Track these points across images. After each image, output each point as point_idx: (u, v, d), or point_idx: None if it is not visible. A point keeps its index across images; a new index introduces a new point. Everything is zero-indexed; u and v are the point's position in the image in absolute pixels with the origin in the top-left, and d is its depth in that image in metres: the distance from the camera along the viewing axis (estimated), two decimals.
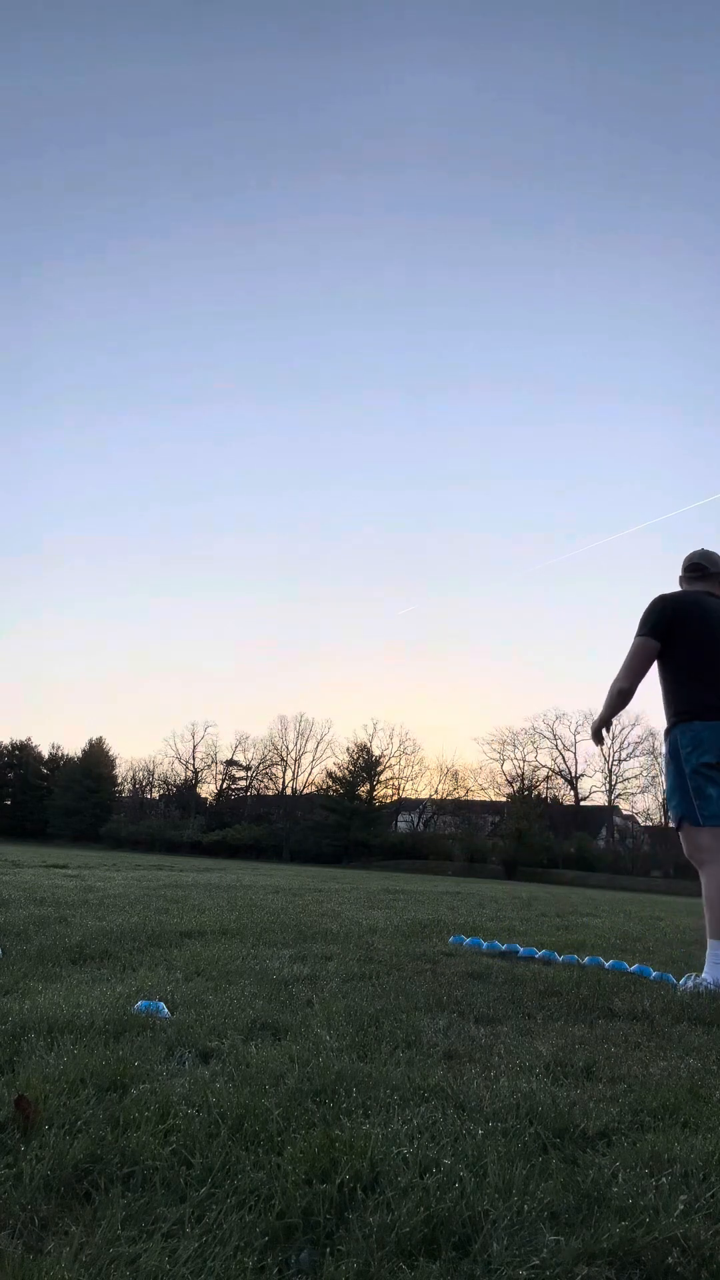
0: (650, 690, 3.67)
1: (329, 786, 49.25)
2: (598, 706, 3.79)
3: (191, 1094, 1.57)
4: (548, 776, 50.95)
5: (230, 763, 56.60)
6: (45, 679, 71.04)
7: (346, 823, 46.00)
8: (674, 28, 50.45)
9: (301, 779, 53.42)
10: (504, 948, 4.18)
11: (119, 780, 57.95)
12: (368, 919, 5.46)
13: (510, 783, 49.66)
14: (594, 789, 51.17)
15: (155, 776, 58.24)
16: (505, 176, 58.64)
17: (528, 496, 66.27)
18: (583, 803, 50.69)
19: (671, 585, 3.73)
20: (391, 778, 51.81)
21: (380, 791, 50.39)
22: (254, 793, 55.51)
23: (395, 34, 52.00)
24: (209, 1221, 1.13)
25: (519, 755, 51.24)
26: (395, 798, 51.73)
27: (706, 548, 3.70)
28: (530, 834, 41.88)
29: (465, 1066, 1.91)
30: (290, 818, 49.07)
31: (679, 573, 3.74)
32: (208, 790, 57.43)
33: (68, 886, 6.85)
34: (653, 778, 48.77)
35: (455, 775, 51.38)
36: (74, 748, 58.81)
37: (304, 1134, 1.43)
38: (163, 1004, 2.27)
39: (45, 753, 59.58)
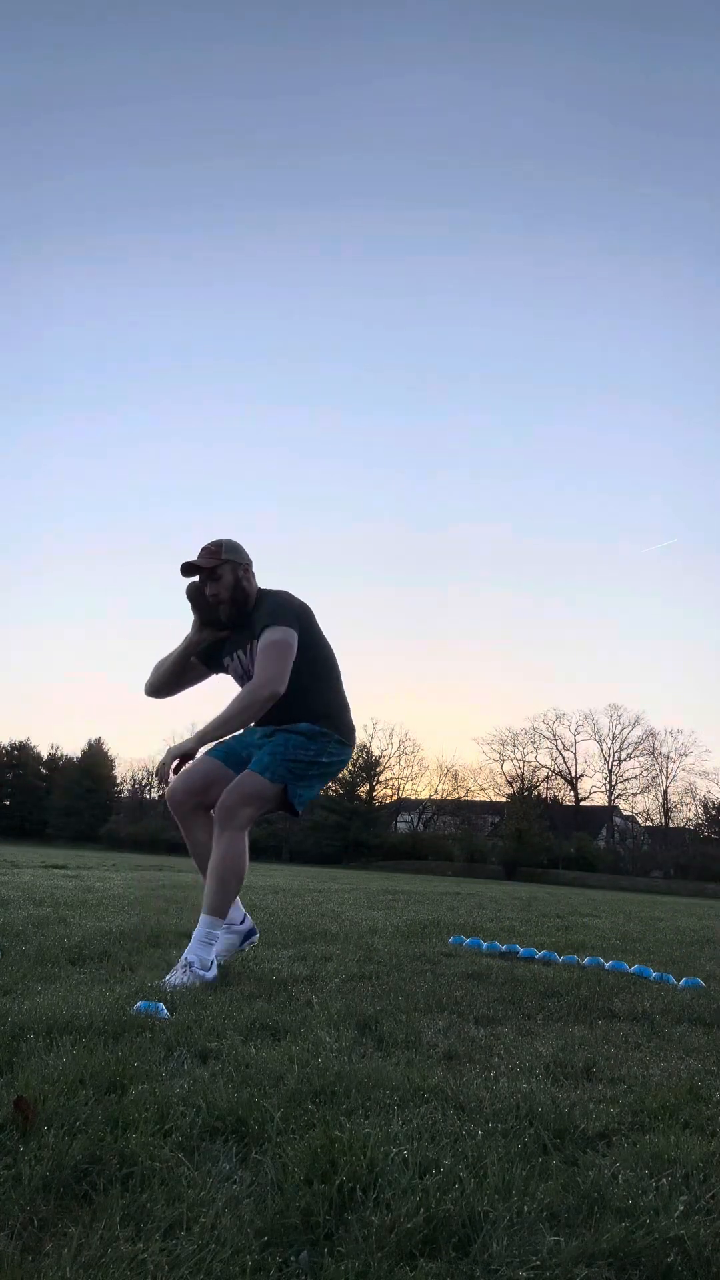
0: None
1: (329, 786, 49.22)
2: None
3: (191, 1094, 1.57)
4: (548, 777, 50.96)
5: None
6: (44, 679, 71.07)
7: (346, 823, 45.99)
8: (673, 20, 50.46)
9: None
10: (504, 948, 4.18)
11: (118, 780, 57.97)
12: (367, 919, 5.46)
13: (510, 783, 49.64)
14: (594, 789, 51.19)
15: (155, 777, 58.07)
16: (503, 171, 58.63)
17: (530, 495, 66.32)
18: (583, 803, 50.71)
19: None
20: (391, 778, 51.79)
21: (380, 792, 50.36)
22: None
23: (390, 28, 52.01)
24: (207, 1222, 1.13)
25: (519, 755, 51.25)
26: (395, 798, 51.69)
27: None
28: (530, 834, 41.83)
29: (465, 1067, 1.91)
30: (290, 818, 48.93)
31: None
32: None
33: (67, 887, 6.85)
34: (653, 778, 48.84)
35: (455, 775, 51.39)
36: (73, 748, 58.89)
37: (303, 1135, 1.43)
38: (162, 1005, 2.27)
39: (44, 753, 59.62)
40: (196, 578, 3.21)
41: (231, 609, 3.18)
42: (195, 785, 3.16)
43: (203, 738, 2.97)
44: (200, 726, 2.99)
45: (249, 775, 3.01)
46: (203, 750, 3.23)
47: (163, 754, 3.04)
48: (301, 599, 3.27)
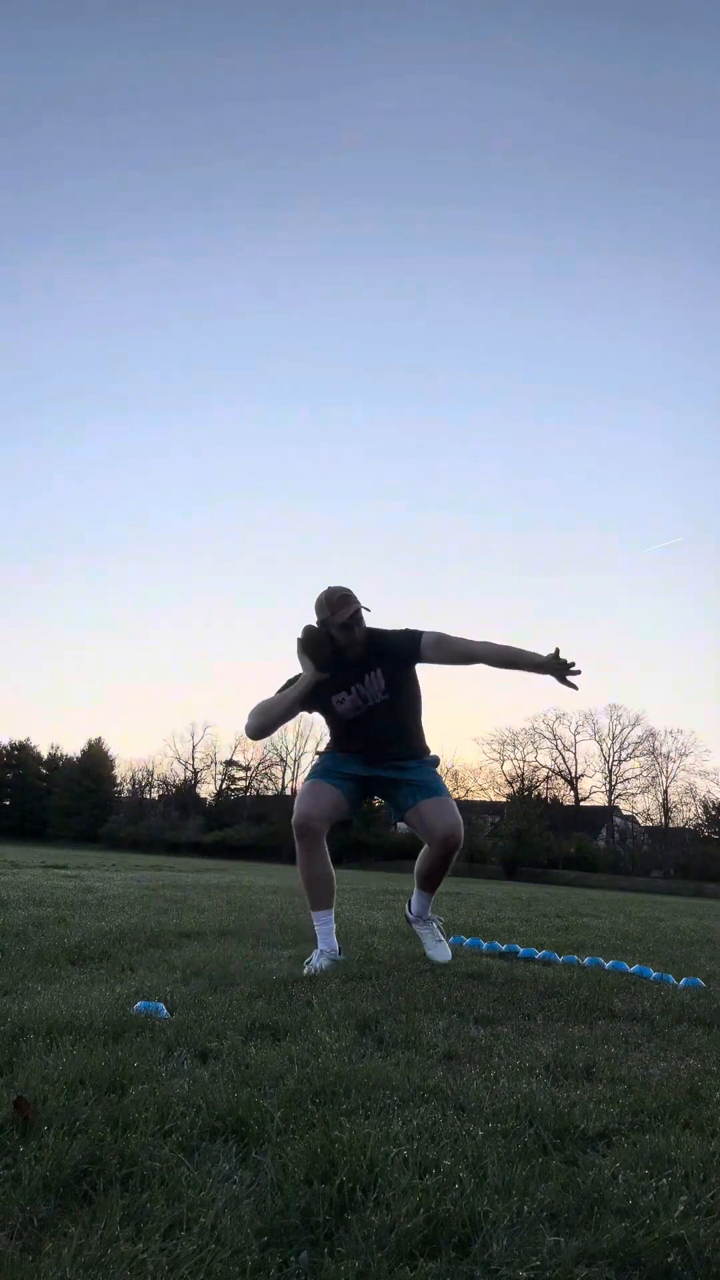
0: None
1: None
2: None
3: (191, 1095, 1.57)
4: (548, 777, 50.93)
5: (230, 763, 56.63)
6: (45, 679, 71.06)
7: (346, 823, 45.95)
8: (671, 20, 50.43)
9: (301, 779, 53.38)
10: (504, 948, 4.18)
11: (118, 781, 57.97)
12: (367, 919, 5.46)
13: (510, 783, 49.61)
14: (594, 789, 51.15)
15: (154, 777, 58.27)
16: (502, 171, 58.59)
17: (530, 494, 66.33)
18: (583, 803, 50.69)
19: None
20: None
21: None
22: (254, 793, 55.49)
23: (390, 29, 51.98)
24: (207, 1222, 1.13)
25: (519, 755, 51.24)
26: None
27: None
28: (530, 834, 41.81)
29: (465, 1067, 1.91)
30: (290, 818, 48.93)
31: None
32: (207, 791, 57.49)
33: (67, 887, 6.85)
34: (653, 778, 48.83)
35: (455, 775, 51.37)
36: (73, 748, 58.89)
37: (303, 1135, 1.43)
38: (162, 1005, 2.27)
39: (44, 753, 59.63)
40: (312, 624, 3.45)
41: (361, 648, 3.42)
42: (328, 812, 3.47)
43: (538, 664, 3.32)
44: (521, 656, 3.38)
45: (450, 800, 3.44)
46: (314, 780, 3.58)
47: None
48: None
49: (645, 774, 49.35)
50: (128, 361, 64.67)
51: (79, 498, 68.02)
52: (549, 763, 51.56)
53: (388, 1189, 1.24)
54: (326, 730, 3.61)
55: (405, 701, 3.50)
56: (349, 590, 3.43)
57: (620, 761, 49.89)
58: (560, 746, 51.31)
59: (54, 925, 4.03)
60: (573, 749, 51.23)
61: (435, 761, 3.58)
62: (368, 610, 3.42)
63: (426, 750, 3.57)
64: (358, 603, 3.40)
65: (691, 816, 47.27)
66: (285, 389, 66.80)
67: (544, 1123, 1.55)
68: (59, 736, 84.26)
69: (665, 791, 48.27)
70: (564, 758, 51.25)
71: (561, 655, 3.22)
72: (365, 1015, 2.34)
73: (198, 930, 4.15)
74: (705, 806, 46.40)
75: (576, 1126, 1.54)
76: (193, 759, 56.88)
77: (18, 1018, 2.05)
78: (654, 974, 3.63)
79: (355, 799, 3.55)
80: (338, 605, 3.36)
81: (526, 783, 49.21)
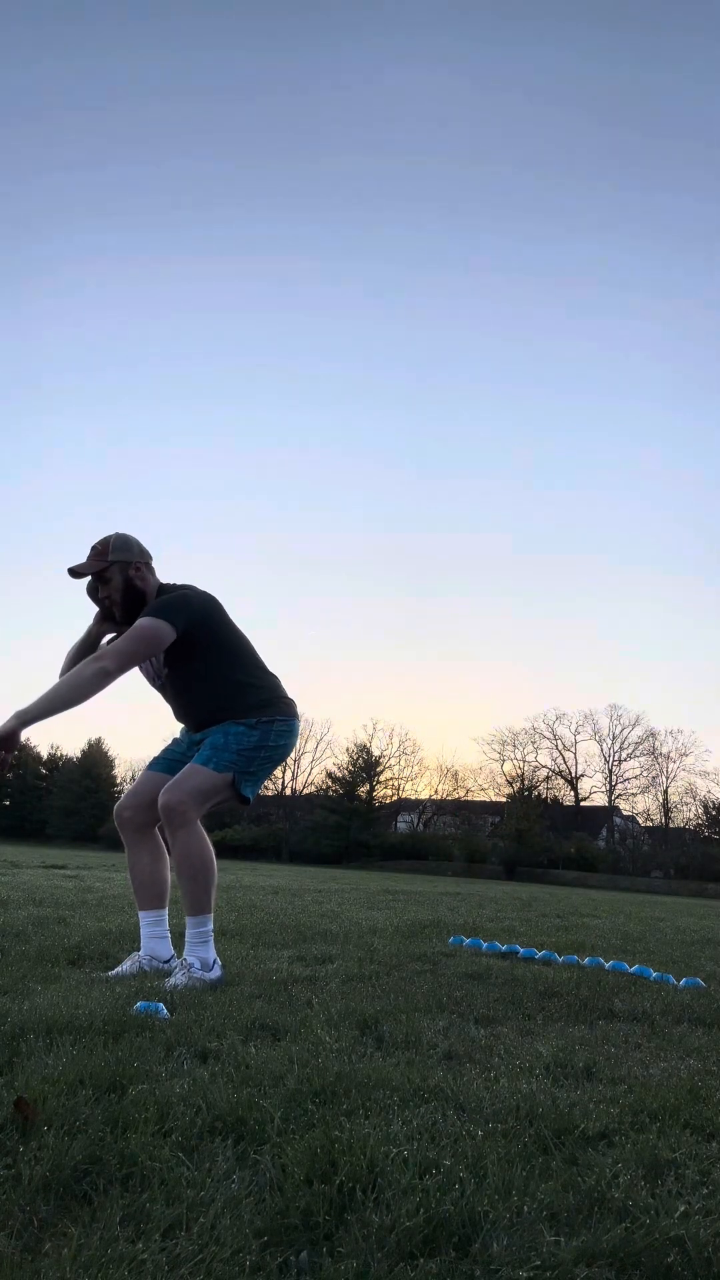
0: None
1: (328, 787, 49.28)
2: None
3: (190, 1095, 1.57)
4: (548, 777, 50.92)
5: None
6: (44, 679, 70.97)
7: (346, 823, 45.98)
8: (672, 20, 50.47)
9: (301, 779, 53.43)
10: (504, 948, 4.18)
11: (118, 781, 57.93)
12: (368, 919, 5.46)
13: (510, 783, 49.60)
14: (594, 789, 51.11)
15: None
16: (503, 172, 58.60)
17: (529, 496, 66.35)
18: (583, 803, 50.69)
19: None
20: (391, 778, 51.82)
21: (380, 792, 50.37)
22: None
23: (391, 28, 52.01)
24: (207, 1222, 1.12)
25: (519, 755, 51.21)
26: (395, 798, 51.70)
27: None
28: (530, 834, 41.84)
29: (465, 1067, 1.91)
30: (290, 818, 49.13)
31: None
32: None
33: (66, 887, 6.85)
34: (653, 778, 48.83)
35: (455, 775, 51.42)
36: (73, 748, 58.92)
37: (303, 1135, 1.43)
38: (162, 1005, 2.27)
39: (44, 753, 59.65)
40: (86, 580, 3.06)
41: (125, 610, 3.03)
42: (144, 800, 3.03)
43: (22, 717, 2.70)
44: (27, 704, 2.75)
45: (191, 768, 2.88)
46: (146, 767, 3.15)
47: None
48: (205, 592, 3.10)
49: (645, 774, 49.41)
50: (130, 355, 64.66)
51: (76, 495, 68.03)
52: (549, 763, 51.60)
53: (388, 1189, 1.24)
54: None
55: (196, 666, 3.01)
56: (105, 541, 3.01)
57: (620, 761, 49.92)
58: (560, 746, 51.35)
59: (54, 925, 4.03)
60: (573, 749, 51.26)
61: (252, 722, 2.98)
62: (133, 567, 3.00)
63: (246, 709, 2.99)
64: (103, 557, 2.98)
65: (691, 816, 47.29)
66: (285, 387, 66.82)
67: (544, 1123, 1.55)
68: (59, 736, 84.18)
69: (665, 791, 48.31)
70: (564, 758, 51.29)
71: None
72: (365, 1015, 2.34)
73: None
74: (705, 806, 46.39)
75: (576, 1126, 1.54)
76: None
77: (18, 1018, 2.05)
78: (654, 974, 3.63)
79: None
80: (88, 557, 3.00)
81: (526, 783, 49.22)
